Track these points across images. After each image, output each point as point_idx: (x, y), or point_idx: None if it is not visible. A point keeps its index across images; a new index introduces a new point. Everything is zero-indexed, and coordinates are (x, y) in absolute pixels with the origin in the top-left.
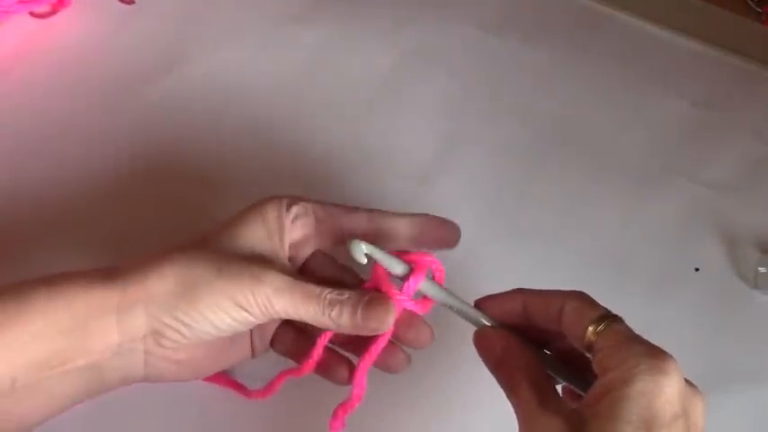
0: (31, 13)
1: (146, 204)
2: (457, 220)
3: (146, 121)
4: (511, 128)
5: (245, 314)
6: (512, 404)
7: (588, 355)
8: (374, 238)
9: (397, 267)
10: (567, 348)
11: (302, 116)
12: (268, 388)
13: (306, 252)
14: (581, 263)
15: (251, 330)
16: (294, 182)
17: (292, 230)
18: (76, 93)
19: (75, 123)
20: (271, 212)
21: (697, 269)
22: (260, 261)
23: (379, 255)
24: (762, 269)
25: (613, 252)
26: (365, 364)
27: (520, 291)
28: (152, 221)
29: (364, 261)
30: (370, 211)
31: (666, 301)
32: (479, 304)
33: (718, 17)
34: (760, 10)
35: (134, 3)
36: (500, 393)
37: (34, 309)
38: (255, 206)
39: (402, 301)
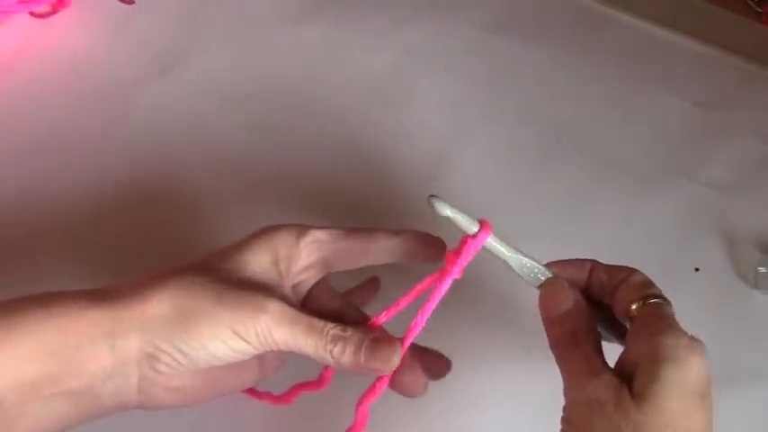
0: (31, 13)
1: (145, 206)
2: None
3: (146, 121)
4: (512, 128)
5: (244, 344)
6: (564, 357)
7: (627, 324)
8: (372, 257)
9: (472, 225)
10: None
11: (302, 116)
12: (284, 397)
13: (310, 282)
14: None
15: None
16: (294, 182)
17: (300, 260)
18: (76, 92)
19: (75, 123)
20: (280, 242)
21: (697, 269)
22: (263, 289)
23: (455, 213)
24: (762, 269)
25: (613, 251)
26: (366, 402)
27: (591, 260)
28: (151, 224)
29: (450, 214)
30: (368, 230)
31: None
32: (549, 265)
33: (719, 17)
34: (760, 10)
35: (134, 3)
36: (506, 401)
37: (25, 329)
38: (263, 234)
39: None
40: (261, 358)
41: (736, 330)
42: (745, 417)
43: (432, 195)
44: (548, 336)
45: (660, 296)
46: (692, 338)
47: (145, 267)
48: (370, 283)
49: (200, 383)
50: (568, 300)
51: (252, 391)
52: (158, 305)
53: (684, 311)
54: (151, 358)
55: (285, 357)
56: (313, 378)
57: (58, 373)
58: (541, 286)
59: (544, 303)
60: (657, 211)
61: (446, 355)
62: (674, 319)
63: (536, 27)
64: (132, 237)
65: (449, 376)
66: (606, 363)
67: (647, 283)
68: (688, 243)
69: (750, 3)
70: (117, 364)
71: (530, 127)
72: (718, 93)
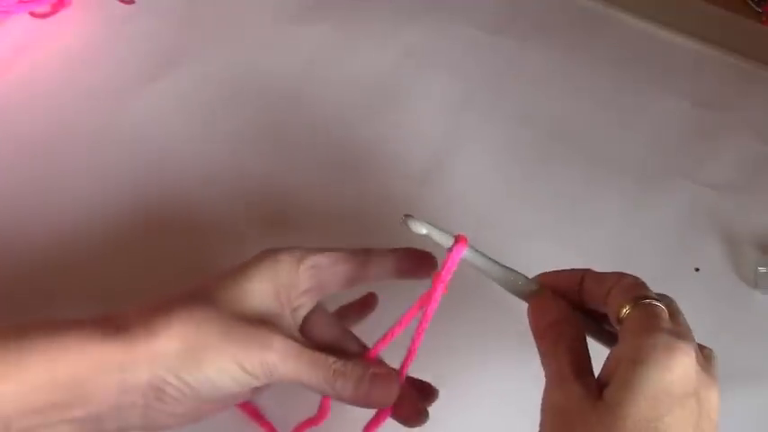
0: (31, 14)
1: (144, 209)
2: (457, 220)
3: (146, 121)
4: (511, 128)
5: (249, 378)
6: (544, 366)
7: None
8: (368, 277)
9: (447, 239)
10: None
11: (302, 116)
12: None
13: (308, 305)
14: (581, 262)
15: None
16: (293, 183)
17: (300, 285)
18: (76, 92)
19: (74, 123)
20: (281, 269)
21: (697, 269)
22: (266, 323)
23: (431, 230)
24: (762, 269)
25: (614, 252)
26: None
27: (583, 269)
28: (151, 224)
29: (425, 232)
30: (365, 251)
31: None
32: (540, 277)
33: (719, 17)
34: (760, 10)
35: (134, 3)
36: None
37: (36, 359)
38: (264, 260)
39: (444, 277)
40: None
41: (736, 330)
42: (745, 417)
43: (406, 215)
44: (537, 347)
45: (651, 297)
46: (675, 334)
47: (140, 270)
48: (366, 299)
49: (202, 408)
50: (552, 310)
51: (259, 418)
52: (168, 341)
53: (684, 311)
54: (158, 390)
55: None
56: (314, 407)
57: (66, 402)
58: (528, 298)
59: (530, 315)
60: (657, 212)
61: (441, 372)
62: (661, 318)
63: (536, 27)
64: (130, 239)
65: (442, 399)
66: (584, 372)
67: (638, 285)
68: (688, 243)
69: (750, 3)
70: (124, 395)
71: (529, 127)
72: (717, 93)
